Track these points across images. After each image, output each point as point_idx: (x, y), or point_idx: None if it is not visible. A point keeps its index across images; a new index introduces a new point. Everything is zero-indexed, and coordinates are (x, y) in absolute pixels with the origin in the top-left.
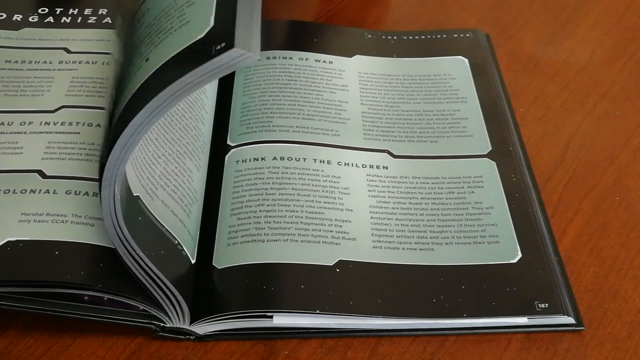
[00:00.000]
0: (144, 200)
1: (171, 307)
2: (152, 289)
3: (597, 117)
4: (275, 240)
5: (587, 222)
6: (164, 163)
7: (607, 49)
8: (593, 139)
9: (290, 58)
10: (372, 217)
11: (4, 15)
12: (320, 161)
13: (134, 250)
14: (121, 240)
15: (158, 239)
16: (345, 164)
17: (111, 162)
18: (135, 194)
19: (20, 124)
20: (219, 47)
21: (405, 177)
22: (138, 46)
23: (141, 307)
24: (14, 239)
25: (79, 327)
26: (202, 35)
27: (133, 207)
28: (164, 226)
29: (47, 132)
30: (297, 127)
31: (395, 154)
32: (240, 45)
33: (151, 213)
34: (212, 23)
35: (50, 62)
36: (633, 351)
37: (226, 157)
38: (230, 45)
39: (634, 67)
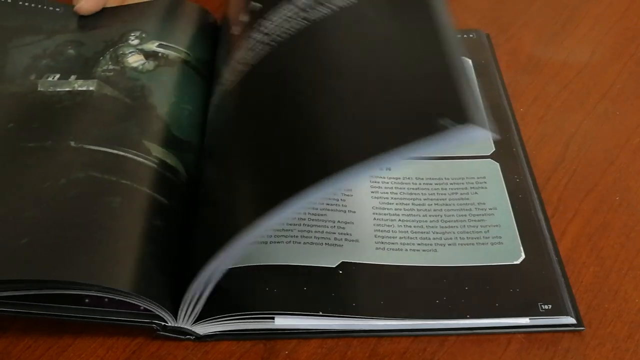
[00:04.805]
0: None
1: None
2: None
3: (597, 117)
4: (277, 242)
5: (587, 222)
6: None
7: (607, 49)
8: (593, 139)
9: None
10: (375, 219)
11: None
12: None
13: None
14: None
15: None
16: None
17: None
18: None
19: None
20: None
21: (409, 178)
22: None
23: (142, 307)
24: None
25: (79, 327)
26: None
27: None
28: None
29: None
30: None
31: None
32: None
33: None
34: None
35: None
36: (633, 351)
37: None
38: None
39: (634, 67)
